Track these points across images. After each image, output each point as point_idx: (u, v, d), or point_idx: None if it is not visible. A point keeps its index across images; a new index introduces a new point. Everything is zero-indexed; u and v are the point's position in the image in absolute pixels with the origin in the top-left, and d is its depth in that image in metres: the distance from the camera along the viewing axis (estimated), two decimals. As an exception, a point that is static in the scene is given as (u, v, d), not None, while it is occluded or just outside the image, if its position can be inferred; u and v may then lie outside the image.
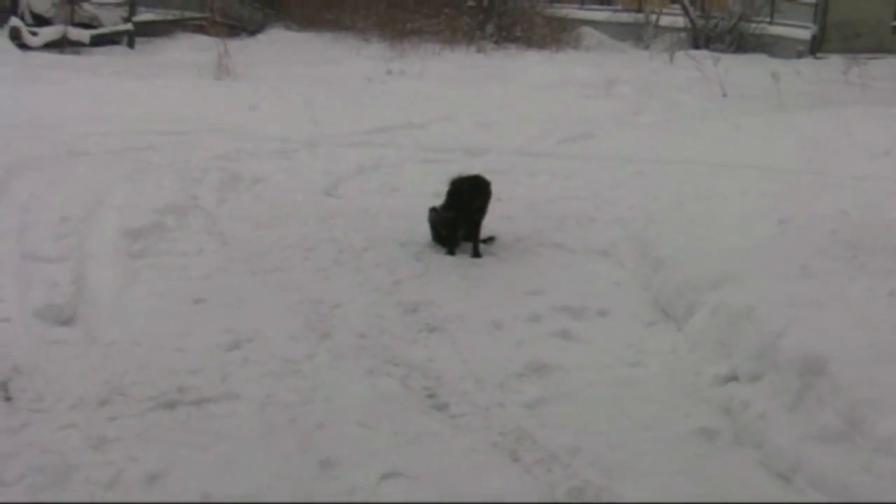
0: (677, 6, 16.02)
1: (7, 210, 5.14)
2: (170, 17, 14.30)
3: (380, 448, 3.11)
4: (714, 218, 5.32)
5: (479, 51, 14.39)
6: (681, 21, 15.84)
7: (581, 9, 16.90)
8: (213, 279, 4.64)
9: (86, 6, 13.44)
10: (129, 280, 4.53)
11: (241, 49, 12.14)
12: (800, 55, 14.63)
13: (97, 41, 12.96)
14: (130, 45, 13.52)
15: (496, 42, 15.04)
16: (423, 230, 5.39)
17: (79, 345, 3.79)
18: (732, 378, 3.49)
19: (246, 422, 3.25)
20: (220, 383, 3.50)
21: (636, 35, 16.15)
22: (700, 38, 15.43)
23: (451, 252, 5.20)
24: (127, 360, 3.64)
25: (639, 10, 16.70)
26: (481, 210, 5.21)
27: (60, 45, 12.41)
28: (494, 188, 5.34)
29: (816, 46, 14.88)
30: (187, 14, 14.35)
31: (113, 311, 4.14)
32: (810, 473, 2.83)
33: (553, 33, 15.19)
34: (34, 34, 12.31)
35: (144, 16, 14.09)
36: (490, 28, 15.36)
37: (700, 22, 15.64)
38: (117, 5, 13.86)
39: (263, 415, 3.30)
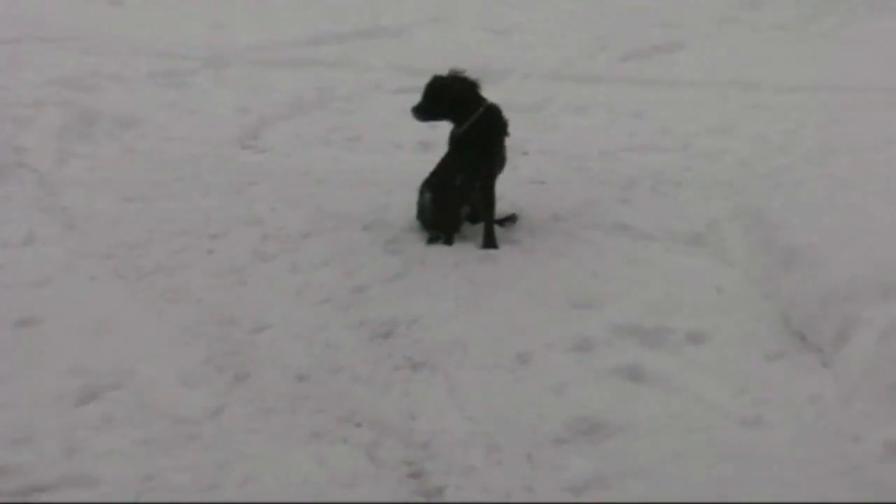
0: None
1: None
2: None
3: (331, 564, 3.09)
4: (885, 181, 5.31)
5: None
6: None
7: None
8: (52, 285, 4.62)
9: None
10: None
11: None
12: None
13: None
14: None
15: None
16: (401, 203, 5.40)
17: None
18: (917, 446, 3.47)
19: (108, 523, 3.22)
20: (65, 459, 3.47)
21: None
22: None
23: (448, 240, 5.20)
24: None
25: None
26: (489, 161, 5.18)
27: None
28: (518, 134, 5.32)
29: None
30: None
31: None
32: None
33: None
34: None
35: None
36: None
37: None
38: None
39: (137, 510, 3.27)
